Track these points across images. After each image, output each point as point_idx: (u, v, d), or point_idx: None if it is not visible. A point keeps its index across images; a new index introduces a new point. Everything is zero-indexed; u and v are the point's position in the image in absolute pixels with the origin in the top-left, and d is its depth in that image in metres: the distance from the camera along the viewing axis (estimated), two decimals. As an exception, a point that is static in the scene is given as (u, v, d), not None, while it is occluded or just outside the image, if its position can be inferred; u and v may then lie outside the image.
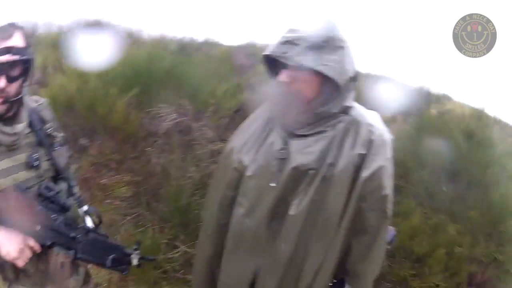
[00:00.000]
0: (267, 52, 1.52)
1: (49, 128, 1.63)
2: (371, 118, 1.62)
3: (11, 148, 1.50)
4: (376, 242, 1.66)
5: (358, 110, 1.61)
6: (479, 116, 3.59)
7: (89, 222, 1.69)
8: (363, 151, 1.56)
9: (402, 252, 3.02)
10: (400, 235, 2.85)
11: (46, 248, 1.50)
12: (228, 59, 5.28)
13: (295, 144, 1.58)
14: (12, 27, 1.37)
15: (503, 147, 3.81)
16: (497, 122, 4.35)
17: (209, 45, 6.31)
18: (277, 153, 1.58)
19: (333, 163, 1.56)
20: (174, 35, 6.83)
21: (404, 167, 3.02)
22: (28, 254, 1.46)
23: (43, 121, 1.62)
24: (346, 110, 1.56)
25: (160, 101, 3.61)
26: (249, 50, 6.03)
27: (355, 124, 1.60)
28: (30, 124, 1.56)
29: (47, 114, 1.66)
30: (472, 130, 3.45)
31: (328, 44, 1.43)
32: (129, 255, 1.64)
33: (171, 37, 6.74)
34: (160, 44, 6.01)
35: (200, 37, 7.05)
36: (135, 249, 1.65)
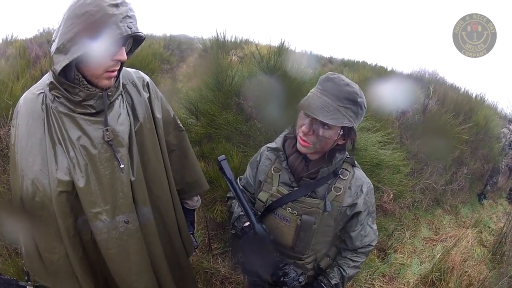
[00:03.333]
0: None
1: None
2: (131, 70, 1.75)
3: None
4: (186, 153, 1.95)
5: (123, 69, 1.67)
6: (279, 51, 3.77)
7: None
8: (147, 94, 1.73)
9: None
10: (225, 179, 2.96)
11: None
12: (24, 54, 4.88)
13: (110, 118, 1.55)
14: None
15: (313, 74, 4.12)
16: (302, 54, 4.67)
17: (7, 44, 5.79)
18: (100, 140, 1.52)
19: (136, 116, 1.65)
20: None
21: (209, 115, 3.07)
22: None
23: None
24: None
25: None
26: (43, 39, 5.71)
27: (127, 77, 1.69)
28: None
29: None
30: (273, 65, 3.58)
31: None
32: (25, 287, 1.61)
33: None
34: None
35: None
36: (27, 280, 1.63)
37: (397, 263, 4.26)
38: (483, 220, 5.69)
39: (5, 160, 3.36)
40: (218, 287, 3.13)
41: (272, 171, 1.78)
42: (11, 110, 3.40)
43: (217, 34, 3.68)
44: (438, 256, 4.21)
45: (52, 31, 5.88)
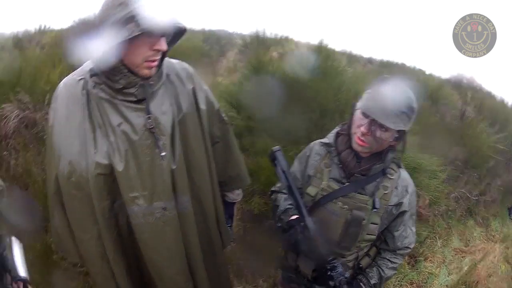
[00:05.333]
0: None
1: None
2: (173, 60, 1.75)
3: None
4: (230, 145, 1.94)
5: (167, 60, 1.67)
6: (319, 49, 3.74)
7: None
8: (191, 85, 1.71)
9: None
10: (264, 172, 2.93)
11: None
12: (61, 43, 4.97)
13: (152, 107, 1.56)
14: None
15: (353, 73, 4.05)
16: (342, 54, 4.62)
17: (41, 34, 5.93)
18: (141, 127, 1.53)
19: (179, 106, 1.64)
20: (11, 30, 6.29)
21: (250, 108, 3.07)
22: None
23: None
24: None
25: (2, 101, 3.36)
26: (79, 30, 5.79)
27: (171, 68, 1.68)
28: None
29: None
30: (312, 64, 3.55)
31: None
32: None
33: (9, 33, 6.20)
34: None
35: (32, 26, 6.57)
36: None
37: (426, 271, 4.16)
38: (511, 235, 5.52)
39: (41, 143, 3.41)
40: (249, 279, 3.12)
41: (322, 166, 1.81)
42: (48, 96, 3.48)
43: (257, 30, 3.68)
44: (465, 268, 4.11)
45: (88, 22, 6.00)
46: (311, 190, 1.80)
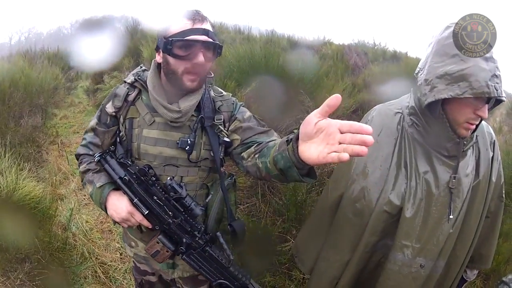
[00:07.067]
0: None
1: (218, 120, 1.52)
2: (484, 123, 1.65)
3: (171, 124, 1.47)
4: (495, 225, 1.80)
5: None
6: None
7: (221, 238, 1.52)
8: (491, 153, 1.64)
9: (496, 276, 2.79)
10: (497, 257, 2.67)
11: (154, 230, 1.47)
12: (341, 58, 5.23)
13: (460, 168, 1.53)
14: (201, 14, 1.37)
15: None
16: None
17: (320, 43, 6.38)
18: (444, 183, 1.51)
19: (477, 171, 1.61)
20: (284, 32, 7.09)
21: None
22: (132, 223, 1.45)
23: (215, 111, 1.53)
24: None
25: (278, 96, 3.57)
26: (360, 49, 6.02)
27: (479, 129, 1.60)
28: (199, 109, 1.50)
29: (226, 107, 1.56)
30: None
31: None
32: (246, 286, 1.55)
33: (281, 34, 6.99)
34: (271, 41, 6.14)
35: (309, 35, 7.25)
36: None
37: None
38: None
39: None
40: None
41: None
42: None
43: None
44: None
45: (367, 44, 6.26)
46: None
